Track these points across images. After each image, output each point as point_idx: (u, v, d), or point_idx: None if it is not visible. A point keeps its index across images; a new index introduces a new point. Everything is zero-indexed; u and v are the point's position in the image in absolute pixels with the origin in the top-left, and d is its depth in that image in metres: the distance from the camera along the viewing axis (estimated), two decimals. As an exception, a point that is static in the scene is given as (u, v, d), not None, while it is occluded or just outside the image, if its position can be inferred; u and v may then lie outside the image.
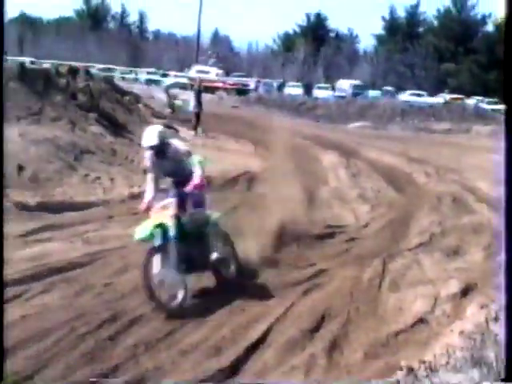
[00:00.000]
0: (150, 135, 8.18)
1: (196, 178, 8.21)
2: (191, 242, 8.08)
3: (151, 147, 8.15)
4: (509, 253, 4.12)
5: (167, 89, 29.79)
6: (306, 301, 8.18)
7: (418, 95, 58.53)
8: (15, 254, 9.03)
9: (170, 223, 7.84)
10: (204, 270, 8.37)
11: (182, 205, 8.12)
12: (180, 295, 7.62)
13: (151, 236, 7.73)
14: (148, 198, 8.28)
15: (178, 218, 7.96)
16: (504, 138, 4.15)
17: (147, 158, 8.38)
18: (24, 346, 6.25)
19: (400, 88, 60.84)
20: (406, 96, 58.73)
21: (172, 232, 7.79)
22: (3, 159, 5.96)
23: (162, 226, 7.80)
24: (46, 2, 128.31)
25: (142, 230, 7.83)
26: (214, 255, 8.26)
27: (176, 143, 8.56)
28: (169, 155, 8.29)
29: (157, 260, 7.62)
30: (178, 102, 24.08)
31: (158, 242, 7.71)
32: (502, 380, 3.95)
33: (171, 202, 8.01)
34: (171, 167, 8.37)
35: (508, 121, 4.18)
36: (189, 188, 8.15)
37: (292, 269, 9.61)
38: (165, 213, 7.91)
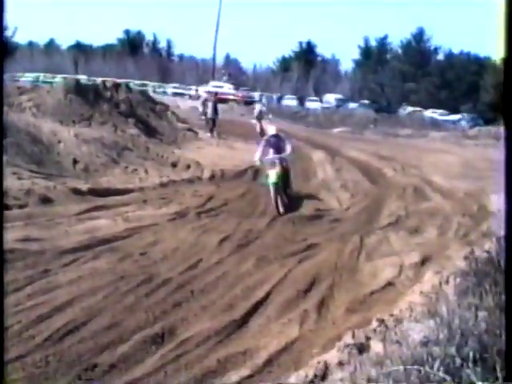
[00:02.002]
0: (272, 129, 13.33)
1: (290, 149, 12.73)
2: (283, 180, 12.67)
3: (272, 135, 13.00)
4: (508, 254, 4.03)
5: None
6: (300, 268, 8.16)
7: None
8: (71, 229, 9.07)
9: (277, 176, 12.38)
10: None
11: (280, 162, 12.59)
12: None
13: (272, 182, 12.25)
14: (257, 157, 12.67)
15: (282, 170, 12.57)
16: (504, 141, 4.02)
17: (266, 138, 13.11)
18: (80, 300, 6.25)
19: (374, 102, 60.24)
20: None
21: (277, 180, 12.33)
22: (3, 161, 5.83)
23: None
24: (95, 32, 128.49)
25: (271, 179, 12.27)
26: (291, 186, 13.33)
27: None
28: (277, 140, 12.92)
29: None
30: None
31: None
32: (503, 380, 3.83)
33: (276, 161, 12.51)
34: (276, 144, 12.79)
35: (508, 125, 4.03)
36: (288, 153, 12.68)
37: (289, 243, 9.62)
38: (275, 170, 12.36)
